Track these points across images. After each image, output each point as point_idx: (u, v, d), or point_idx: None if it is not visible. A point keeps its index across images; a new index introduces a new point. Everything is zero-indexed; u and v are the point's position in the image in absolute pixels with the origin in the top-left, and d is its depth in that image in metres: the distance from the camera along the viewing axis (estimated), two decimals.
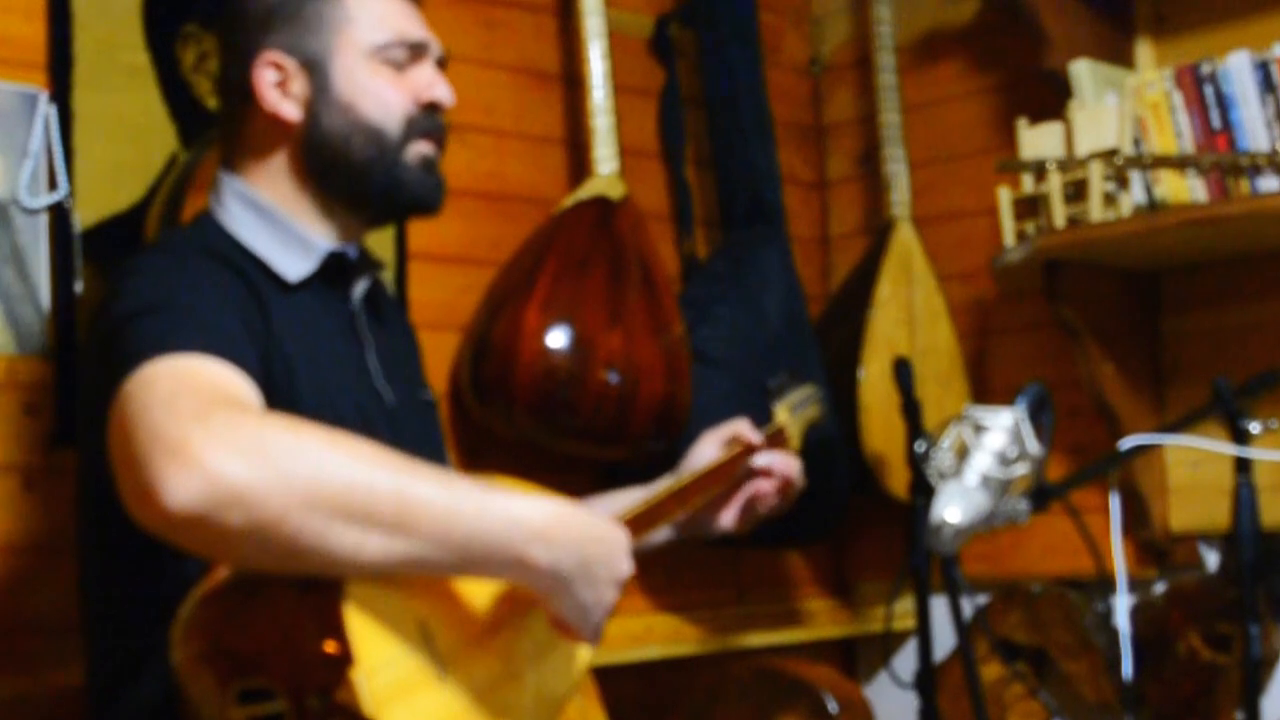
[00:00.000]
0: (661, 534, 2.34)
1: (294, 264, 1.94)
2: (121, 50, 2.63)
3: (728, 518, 2.40)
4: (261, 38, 1.98)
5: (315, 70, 1.97)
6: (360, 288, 2.03)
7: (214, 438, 1.47)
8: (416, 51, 2.02)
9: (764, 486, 2.40)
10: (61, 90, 2.55)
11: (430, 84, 2.02)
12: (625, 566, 1.79)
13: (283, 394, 1.76)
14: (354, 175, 1.97)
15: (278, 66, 1.97)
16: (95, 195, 2.57)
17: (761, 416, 2.57)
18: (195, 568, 1.59)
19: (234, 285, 1.83)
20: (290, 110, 1.97)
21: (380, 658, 1.54)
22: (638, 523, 2.05)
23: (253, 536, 1.48)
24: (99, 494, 1.72)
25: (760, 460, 2.38)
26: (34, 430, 2.49)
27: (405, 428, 1.96)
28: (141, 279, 1.79)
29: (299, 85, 1.97)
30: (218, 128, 2.08)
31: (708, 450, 2.37)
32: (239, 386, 1.64)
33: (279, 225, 1.95)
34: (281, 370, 1.81)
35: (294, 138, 1.97)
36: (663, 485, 2.23)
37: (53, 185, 2.51)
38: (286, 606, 1.52)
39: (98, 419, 1.61)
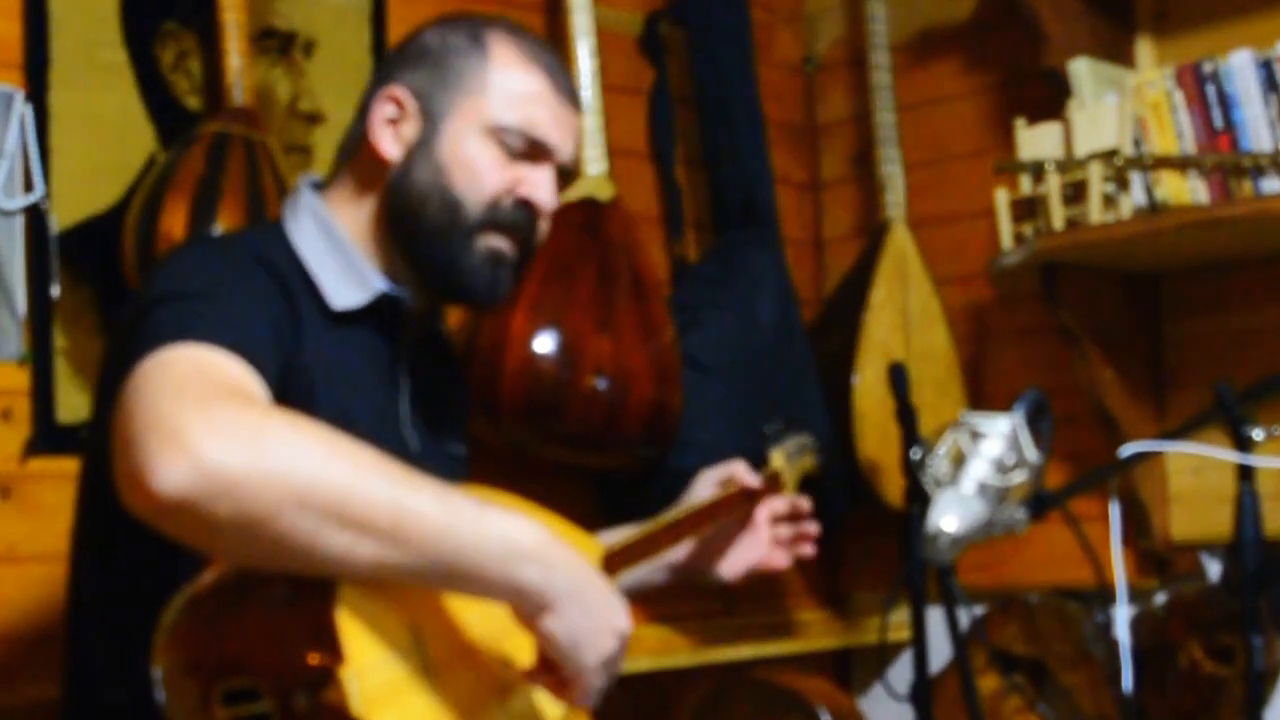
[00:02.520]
0: (656, 575, 2.36)
1: (345, 293, 1.91)
2: (99, 49, 2.63)
3: (727, 568, 2.40)
4: (401, 71, 1.97)
5: (429, 121, 1.94)
6: (409, 335, 2.00)
7: (213, 426, 1.47)
8: (538, 150, 1.96)
9: (776, 551, 2.44)
10: (38, 89, 2.55)
11: (535, 183, 1.95)
12: (622, 620, 1.75)
13: (299, 412, 1.72)
14: (418, 238, 1.94)
15: (399, 103, 1.95)
16: (72, 196, 2.58)
17: (753, 422, 2.56)
18: (189, 570, 1.57)
19: (273, 294, 1.80)
20: (391, 149, 1.94)
21: (370, 659, 1.53)
22: (630, 552, 2.07)
23: (241, 530, 1.47)
24: (102, 489, 1.69)
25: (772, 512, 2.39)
26: (10, 437, 2.48)
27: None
28: (180, 266, 1.79)
29: (410, 128, 1.94)
30: (342, 140, 2.05)
31: (703, 490, 2.37)
32: (251, 384, 1.63)
33: (343, 252, 1.93)
34: (301, 391, 1.78)
35: (385, 177, 1.95)
36: (655, 522, 2.23)
37: (29, 186, 2.51)
38: (276, 606, 1.51)
39: (114, 402, 1.60)
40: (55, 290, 2.50)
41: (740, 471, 2.37)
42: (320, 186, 2.01)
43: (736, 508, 2.37)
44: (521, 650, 1.78)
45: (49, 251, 2.50)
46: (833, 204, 3.81)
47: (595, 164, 3.03)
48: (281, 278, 1.84)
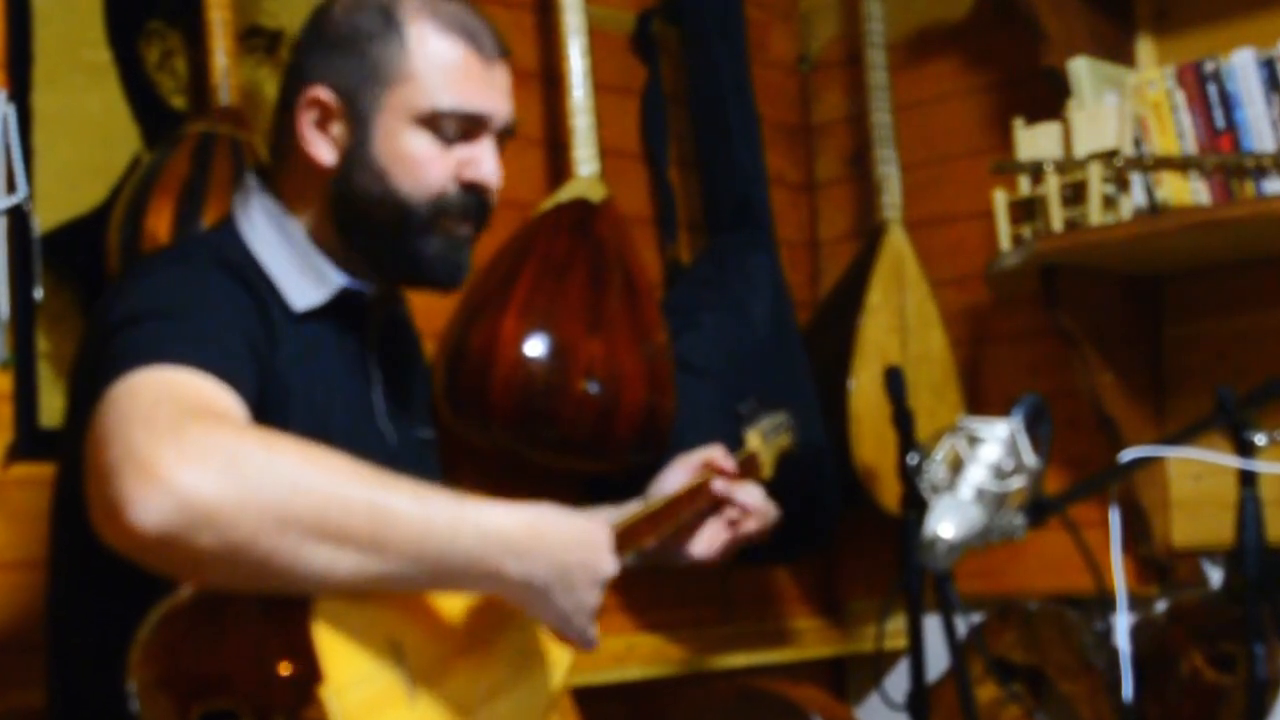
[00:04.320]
0: (624, 560, 2.30)
1: (305, 293, 1.89)
2: (83, 48, 2.63)
3: (699, 547, 2.35)
4: (320, 64, 1.90)
5: (358, 121, 1.88)
6: (374, 325, 1.98)
7: (185, 455, 1.45)
8: (473, 125, 1.91)
9: (745, 520, 2.37)
10: (20, 89, 2.54)
11: (476, 161, 1.90)
12: (606, 566, 1.78)
13: (275, 419, 1.71)
14: (372, 239, 1.90)
15: (323, 105, 1.89)
16: (56, 198, 2.57)
17: None
18: (167, 581, 1.55)
19: (245, 301, 1.79)
20: (325, 153, 1.90)
21: (350, 675, 1.52)
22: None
23: (223, 557, 1.46)
24: (75, 501, 1.67)
25: (722, 488, 2.33)
26: None
27: (404, 469, 1.91)
28: (149, 282, 1.76)
29: (339, 129, 1.89)
30: (268, 135, 2.01)
31: (678, 475, 2.34)
32: (225, 403, 1.60)
33: (300, 251, 1.90)
34: (276, 395, 1.77)
35: (325, 181, 1.91)
36: (631, 510, 2.18)
37: (11, 188, 2.49)
38: (252, 624, 1.51)
39: (84, 420, 1.58)
40: (38, 293, 2.49)
41: (716, 455, 2.35)
42: (263, 176, 1.97)
43: (711, 495, 2.34)
44: (500, 646, 1.80)
45: (32, 253, 2.49)
46: (828, 205, 3.81)
47: (587, 164, 3.02)
48: (247, 281, 1.81)
